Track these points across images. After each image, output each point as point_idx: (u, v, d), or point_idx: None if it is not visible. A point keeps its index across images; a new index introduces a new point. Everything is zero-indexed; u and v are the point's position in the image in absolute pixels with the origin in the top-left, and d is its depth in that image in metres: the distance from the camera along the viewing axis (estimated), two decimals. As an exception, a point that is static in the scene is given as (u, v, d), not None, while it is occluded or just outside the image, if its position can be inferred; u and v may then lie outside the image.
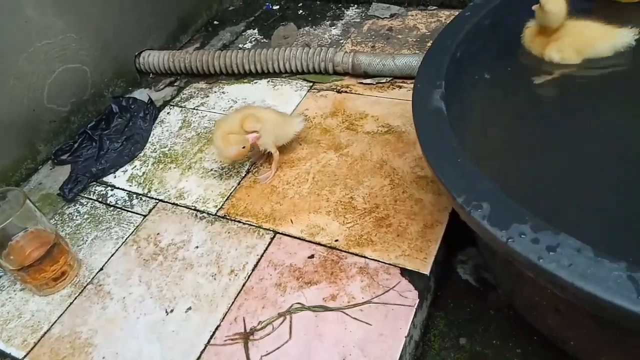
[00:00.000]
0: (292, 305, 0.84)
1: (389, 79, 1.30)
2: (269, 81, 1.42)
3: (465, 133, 0.73)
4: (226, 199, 1.08)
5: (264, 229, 0.99)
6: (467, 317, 0.88)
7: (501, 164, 0.72)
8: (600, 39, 0.83)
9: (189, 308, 0.89)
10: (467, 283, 0.95)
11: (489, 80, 0.85)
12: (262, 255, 0.94)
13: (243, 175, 1.13)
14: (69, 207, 1.17)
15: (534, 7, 0.87)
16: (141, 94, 1.48)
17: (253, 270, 0.91)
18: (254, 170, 1.13)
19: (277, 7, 1.81)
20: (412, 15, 1.57)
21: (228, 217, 1.03)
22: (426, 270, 0.84)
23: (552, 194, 0.67)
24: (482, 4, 0.92)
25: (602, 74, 0.84)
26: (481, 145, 0.74)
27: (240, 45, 1.65)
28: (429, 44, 1.03)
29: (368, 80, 1.32)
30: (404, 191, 0.99)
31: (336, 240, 0.93)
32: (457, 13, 0.97)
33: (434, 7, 1.58)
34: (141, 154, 1.27)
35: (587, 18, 0.87)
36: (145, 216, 1.09)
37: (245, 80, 1.45)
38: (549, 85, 0.85)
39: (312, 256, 0.91)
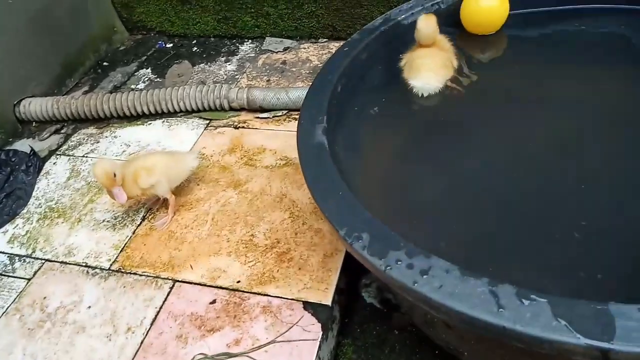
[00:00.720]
0: (194, 357, 0.80)
1: (284, 112, 1.32)
2: (163, 121, 1.39)
3: (348, 165, 0.75)
4: (120, 251, 1.02)
5: (162, 278, 0.94)
6: (374, 340, 0.90)
7: (383, 193, 0.75)
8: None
9: (83, 376, 0.82)
10: (372, 306, 0.97)
11: (369, 112, 0.89)
12: (160, 307, 0.89)
13: (138, 223, 1.08)
14: (-61, 279, 1.04)
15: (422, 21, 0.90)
16: (23, 145, 1.38)
17: (151, 324, 0.87)
18: (149, 217, 1.09)
19: (171, 45, 1.78)
20: (305, 48, 1.62)
21: (123, 271, 0.98)
22: (328, 300, 0.85)
23: (432, 217, 0.70)
24: (359, 38, 0.97)
25: (472, 99, 0.91)
26: (364, 176, 0.76)
27: (132, 86, 1.60)
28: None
29: (264, 115, 1.33)
30: (303, 223, 1.00)
31: (238, 282, 0.91)
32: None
33: (325, 40, 1.64)
34: (24, 211, 1.17)
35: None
36: (29, 280, 1.00)
37: (138, 122, 1.40)
38: (426, 112, 0.91)
39: (213, 301, 0.88)
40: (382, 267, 0.55)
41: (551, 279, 0.58)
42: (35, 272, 1.01)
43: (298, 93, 1.29)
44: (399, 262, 0.55)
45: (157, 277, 0.95)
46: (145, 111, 1.39)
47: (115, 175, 0.96)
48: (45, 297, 0.96)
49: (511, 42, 0.99)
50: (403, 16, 0.99)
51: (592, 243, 0.61)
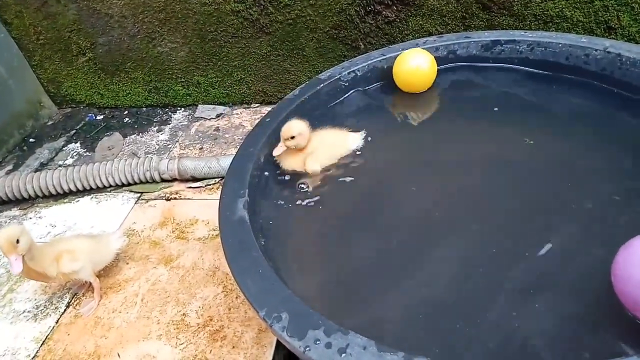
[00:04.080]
0: None
1: (217, 180, 1.32)
2: (92, 197, 1.34)
3: (270, 240, 0.75)
4: (42, 344, 0.95)
5: (87, 370, 0.88)
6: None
7: (305, 267, 0.74)
8: (338, 144, 0.93)
9: None
10: (315, 377, 0.94)
11: (293, 183, 0.90)
12: (84, 405, 0.83)
13: (62, 310, 1.01)
14: None
15: (277, 149, 0.90)
16: None
17: None
18: (75, 303, 1.03)
19: (102, 116, 1.76)
20: (238, 114, 1.65)
21: (43, 366, 0.91)
22: (264, 378, 0.82)
23: (355, 290, 0.70)
24: (280, 109, 1.00)
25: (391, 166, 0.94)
26: (286, 250, 0.76)
27: (60, 162, 1.55)
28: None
29: (197, 184, 1.32)
30: (237, 296, 0.97)
31: (169, 367, 0.86)
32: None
33: (257, 105, 1.68)
34: None
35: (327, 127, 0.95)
36: None
37: (65, 200, 1.35)
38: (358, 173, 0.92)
39: (142, 392, 0.83)
40: (302, 349, 0.55)
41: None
42: (-57, 378, 0.92)
43: (229, 160, 1.29)
44: (317, 342, 0.55)
45: (81, 370, 0.89)
46: (73, 188, 1.35)
47: (18, 241, 0.88)
48: (-47, 406, 0.87)
49: (440, 99, 1.04)
50: (320, 86, 1.03)
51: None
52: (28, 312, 1.02)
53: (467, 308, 0.62)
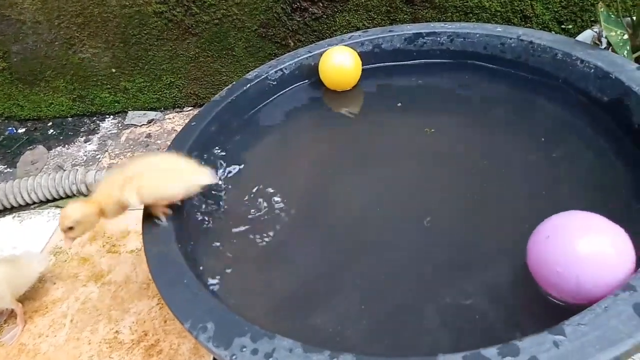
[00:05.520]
0: None
1: (150, 188, 1.27)
2: (14, 216, 1.26)
3: (197, 249, 0.73)
4: (-41, 379, 0.88)
5: (12, 403, 0.83)
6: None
7: (233, 276, 0.72)
8: (173, 182, 0.73)
9: None
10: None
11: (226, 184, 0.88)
12: None
13: (-18, 340, 0.94)
14: None
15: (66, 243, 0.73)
16: None
17: None
18: (-4, 331, 0.96)
19: (23, 129, 1.66)
20: (170, 119, 1.59)
21: (-38, 403, 0.84)
22: (204, 390, 0.80)
23: (288, 297, 0.69)
24: (208, 110, 0.97)
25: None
26: (214, 259, 0.74)
27: (-23, 181, 1.44)
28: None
29: (128, 194, 1.26)
30: (174, 307, 0.94)
31: (102, 389, 0.82)
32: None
33: (190, 108, 1.63)
34: None
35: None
36: None
37: (-16, 221, 1.26)
38: (289, 172, 0.91)
39: (73, 418, 0.78)
40: (228, 358, 0.53)
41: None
42: None
43: (161, 168, 1.25)
44: (243, 349, 0.53)
45: (5, 403, 0.83)
46: (-8, 208, 1.26)
47: None
48: None
49: (366, 96, 1.04)
50: (248, 85, 1.01)
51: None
52: (-57, 345, 0.94)
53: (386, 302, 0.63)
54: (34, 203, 1.28)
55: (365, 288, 0.65)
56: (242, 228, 0.78)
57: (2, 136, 1.63)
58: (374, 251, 0.70)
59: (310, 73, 1.06)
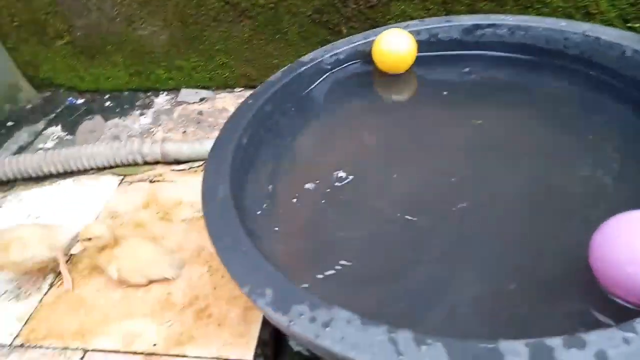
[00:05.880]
0: None
1: (201, 162, 1.32)
2: (74, 180, 1.33)
3: (254, 219, 0.76)
4: (25, 324, 0.95)
5: (72, 349, 0.89)
6: (301, 390, 0.89)
7: (292, 244, 0.75)
8: (154, 262, 0.98)
9: None
10: (300, 355, 0.96)
11: (276, 163, 0.91)
12: (69, 383, 0.83)
13: (45, 290, 1.01)
14: None
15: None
16: None
17: (59, 403, 0.81)
18: (58, 283, 1.02)
19: (82, 100, 1.74)
20: (221, 98, 1.64)
21: (27, 345, 0.91)
22: (249, 355, 0.83)
23: (342, 266, 0.72)
24: (263, 90, 1.00)
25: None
26: (270, 229, 0.77)
27: (40, 145, 1.53)
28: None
29: (180, 167, 1.32)
30: (222, 275, 0.98)
31: (154, 345, 0.87)
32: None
33: (241, 89, 1.67)
34: None
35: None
36: None
37: (46, 183, 1.34)
38: (330, 162, 0.93)
39: (128, 369, 0.84)
40: (286, 323, 0.56)
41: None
42: None
43: (212, 143, 1.29)
44: (301, 316, 0.56)
45: (66, 348, 0.89)
46: (54, 171, 1.33)
47: None
48: (-64, 388, 0.87)
49: (417, 83, 1.05)
50: (303, 69, 1.03)
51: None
52: (10, 292, 1.02)
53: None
54: (92, 169, 1.35)
55: (422, 274, 0.67)
56: (296, 202, 0.82)
57: (63, 105, 1.72)
58: (421, 242, 0.71)
59: (365, 58, 1.08)
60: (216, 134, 1.44)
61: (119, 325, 0.91)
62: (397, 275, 0.67)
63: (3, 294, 1.02)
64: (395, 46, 1.01)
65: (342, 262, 0.70)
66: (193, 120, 1.54)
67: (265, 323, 0.90)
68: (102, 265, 0.97)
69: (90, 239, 0.93)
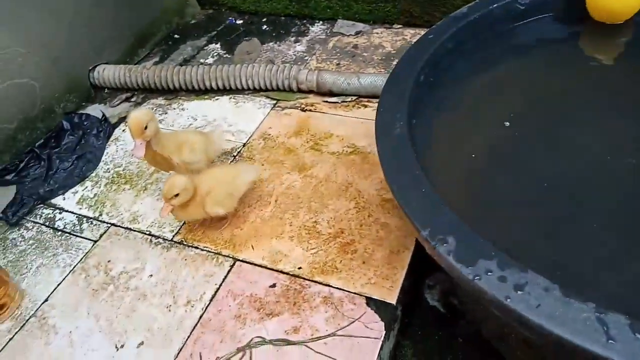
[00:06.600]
0: (252, 339, 0.79)
1: (354, 97, 1.28)
2: (230, 98, 1.38)
3: (430, 160, 0.71)
4: (183, 223, 1.02)
5: (223, 255, 0.94)
6: (435, 346, 0.86)
7: (467, 192, 0.70)
8: (237, 176, 0.97)
9: (141, 343, 0.83)
10: (435, 310, 0.92)
11: (453, 105, 0.84)
12: (220, 285, 0.89)
13: (202, 197, 1.08)
14: (13, 232, 1.09)
15: (164, 211, 0.91)
16: (95, 110, 1.41)
17: (211, 300, 0.87)
18: (213, 193, 1.08)
19: (241, 21, 1.77)
20: (378, 33, 1.57)
21: (185, 243, 0.98)
22: (392, 299, 0.82)
23: (519, 222, 0.65)
24: (446, 26, 0.91)
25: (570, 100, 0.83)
26: (447, 173, 0.72)
27: (201, 60, 1.60)
28: (394, 64, 1.01)
29: (333, 99, 1.30)
30: (369, 215, 0.96)
31: (299, 268, 0.89)
32: (422, 32, 0.95)
33: (400, 26, 1.58)
34: (93, 174, 1.20)
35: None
36: (95, 242, 1.02)
37: (206, 97, 1.40)
38: (511, 107, 0.84)
39: (273, 285, 0.87)
40: (470, 276, 0.51)
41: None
42: (101, 235, 1.04)
43: (370, 79, 1.25)
44: (489, 273, 0.51)
45: (218, 253, 0.95)
46: (214, 86, 1.39)
47: (146, 127, 0.91)
48: (109, 261, 0.98)
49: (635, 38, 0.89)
50: (494, 6, 0.92)
51: None
52: (172, 193, 1.10)
53: None
54: (249, 89, 1.38)
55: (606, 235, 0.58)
56: (463, 147, 0.75)
57: (223, 24, 1.77)
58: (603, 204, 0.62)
59: (571, 2, 0.92)
60: (371, 70, 1.41)
61: (267, 243, 0.94)
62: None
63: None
64: None
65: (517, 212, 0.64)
66: (348, 53, 1.49)
67: (410, 271, 0.87)
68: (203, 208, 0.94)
69: (177, 195, 0.89)
